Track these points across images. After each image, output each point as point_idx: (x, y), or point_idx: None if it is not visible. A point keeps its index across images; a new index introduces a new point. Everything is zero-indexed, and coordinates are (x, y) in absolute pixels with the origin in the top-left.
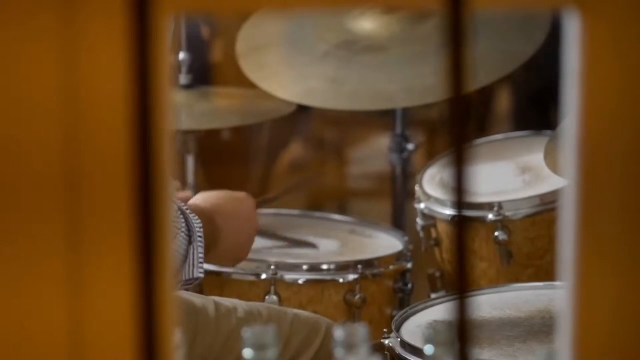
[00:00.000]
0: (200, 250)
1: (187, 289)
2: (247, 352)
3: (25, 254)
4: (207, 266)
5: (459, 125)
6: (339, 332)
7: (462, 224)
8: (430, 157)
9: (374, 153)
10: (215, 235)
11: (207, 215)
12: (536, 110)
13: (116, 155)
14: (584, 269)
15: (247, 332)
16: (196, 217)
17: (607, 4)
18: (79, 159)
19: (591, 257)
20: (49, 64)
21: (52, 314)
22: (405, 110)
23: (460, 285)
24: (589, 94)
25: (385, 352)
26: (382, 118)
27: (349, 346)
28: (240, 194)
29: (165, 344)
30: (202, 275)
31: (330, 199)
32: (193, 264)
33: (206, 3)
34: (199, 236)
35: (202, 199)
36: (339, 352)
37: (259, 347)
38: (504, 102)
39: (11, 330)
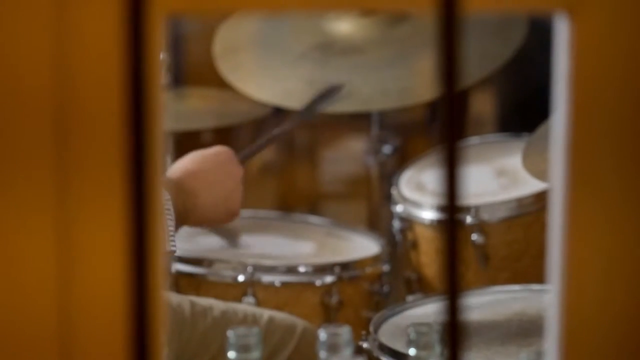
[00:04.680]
0: (170, 223)
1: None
2: (231, 353)
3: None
4: (184, 267)
5: (451, 125)
6: (322, 334)
7: (452, 223)
8: (405, 160)
9: (347, 155)
10: (192, 199)
11: (176, 183)
12: (518, 113)
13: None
14: (572, 257)
15: (231, 334)
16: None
17: (596, 8)
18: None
19: (578, 250)
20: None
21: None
22: (382, 113)
23: (450, 288)
24: (579, 97)
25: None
26: (355, 120)
27: (333, 348)
28: (214, 148)
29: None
30: (174, 249)
31: (303, 201)
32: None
33: (200, 4)
34: (167, 209)
35: (171, 169)
36: (322, 354)
37: (243, 349)
38: (486, 105)
39: None
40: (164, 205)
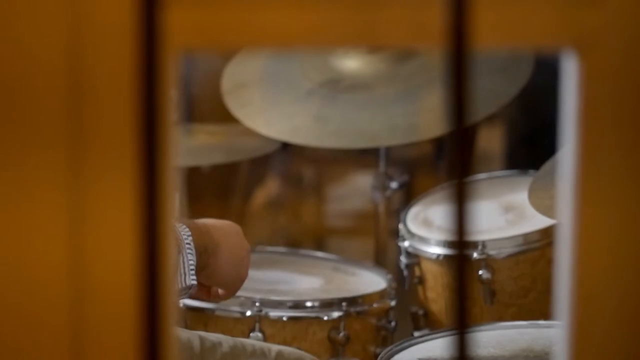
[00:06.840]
0: (191, 257)
1: (182, 298)
2: None
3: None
4: (191, 302)
5: (460, 160)
6: None
7: (461, 258)
8: (412, 195)
9: (354, 191)
10: (213, 245)
11: (200, 226)
12: (526, 150)
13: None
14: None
15: None
16: (184, 226)
17: (605, 45)
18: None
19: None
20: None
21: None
22: (389, 149)
23: (458, 323)
24: (587, 134)
25: None
26: (361, 156)
27: None
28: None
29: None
30: (194, 282)
31: (310, 236)
32: (185, 272)
33: (213, 41)
34: (188, 244)
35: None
36: None
37: None
38: (494, 141)
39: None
40: (186, 240)
